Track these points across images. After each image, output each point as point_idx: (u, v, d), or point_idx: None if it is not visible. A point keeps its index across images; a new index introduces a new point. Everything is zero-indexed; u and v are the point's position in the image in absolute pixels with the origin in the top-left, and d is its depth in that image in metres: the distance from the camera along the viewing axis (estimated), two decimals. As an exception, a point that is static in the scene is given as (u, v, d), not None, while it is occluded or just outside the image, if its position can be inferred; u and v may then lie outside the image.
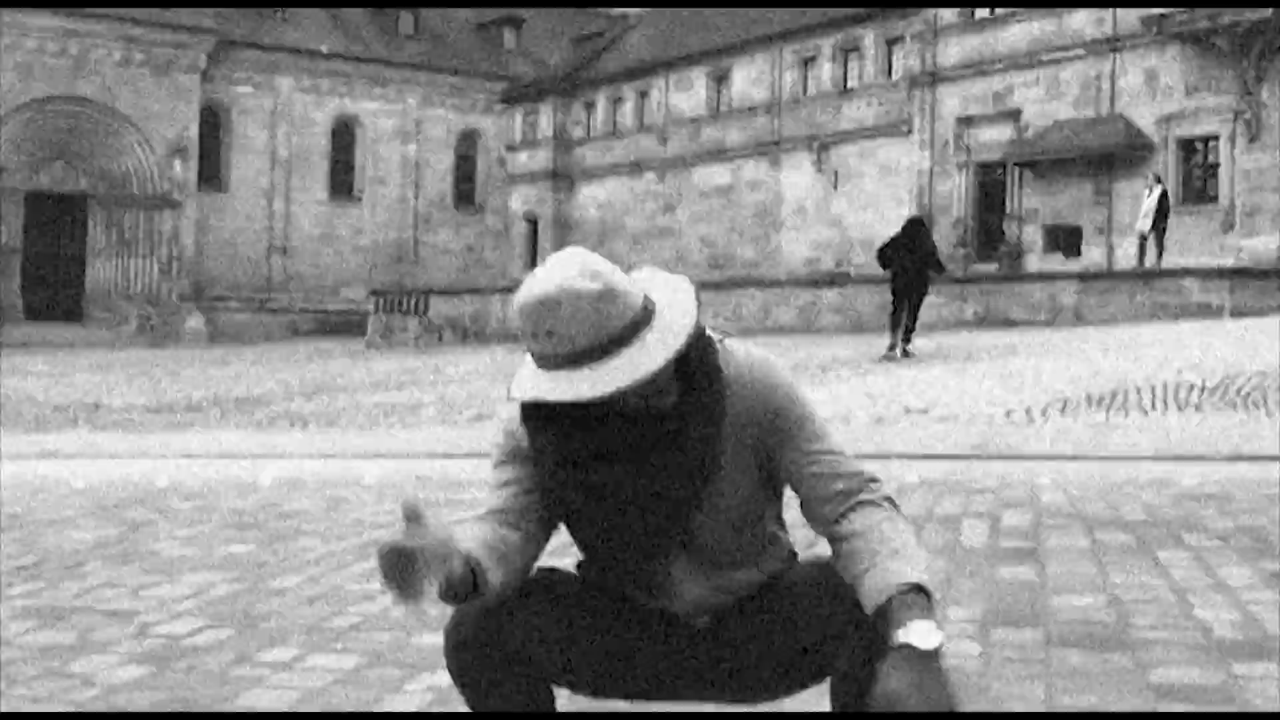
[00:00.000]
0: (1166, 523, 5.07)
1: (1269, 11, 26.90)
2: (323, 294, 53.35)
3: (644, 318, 1.92)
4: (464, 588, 1.87)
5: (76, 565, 4.71)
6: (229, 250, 51.69)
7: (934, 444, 8.97)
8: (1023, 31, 32.31)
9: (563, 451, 1.97)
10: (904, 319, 17.43)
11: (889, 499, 1.98)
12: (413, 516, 1.77)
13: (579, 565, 2.14)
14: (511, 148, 49.81)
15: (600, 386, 1.84)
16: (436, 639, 3.50)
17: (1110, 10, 30.42)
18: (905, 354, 17.12)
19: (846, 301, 26.83)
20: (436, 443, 10.60)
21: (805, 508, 2.00)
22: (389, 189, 55.30)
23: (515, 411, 2.05)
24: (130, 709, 2.99)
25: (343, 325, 49.72)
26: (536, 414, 1.98)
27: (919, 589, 1.81)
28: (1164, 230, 25.55)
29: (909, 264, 17.49)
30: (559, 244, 47.03)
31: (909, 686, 1.73)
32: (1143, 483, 6.44)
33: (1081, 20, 31.16)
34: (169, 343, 45.91)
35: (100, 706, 3.02)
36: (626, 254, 44.16)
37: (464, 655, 2.02)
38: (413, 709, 2.94)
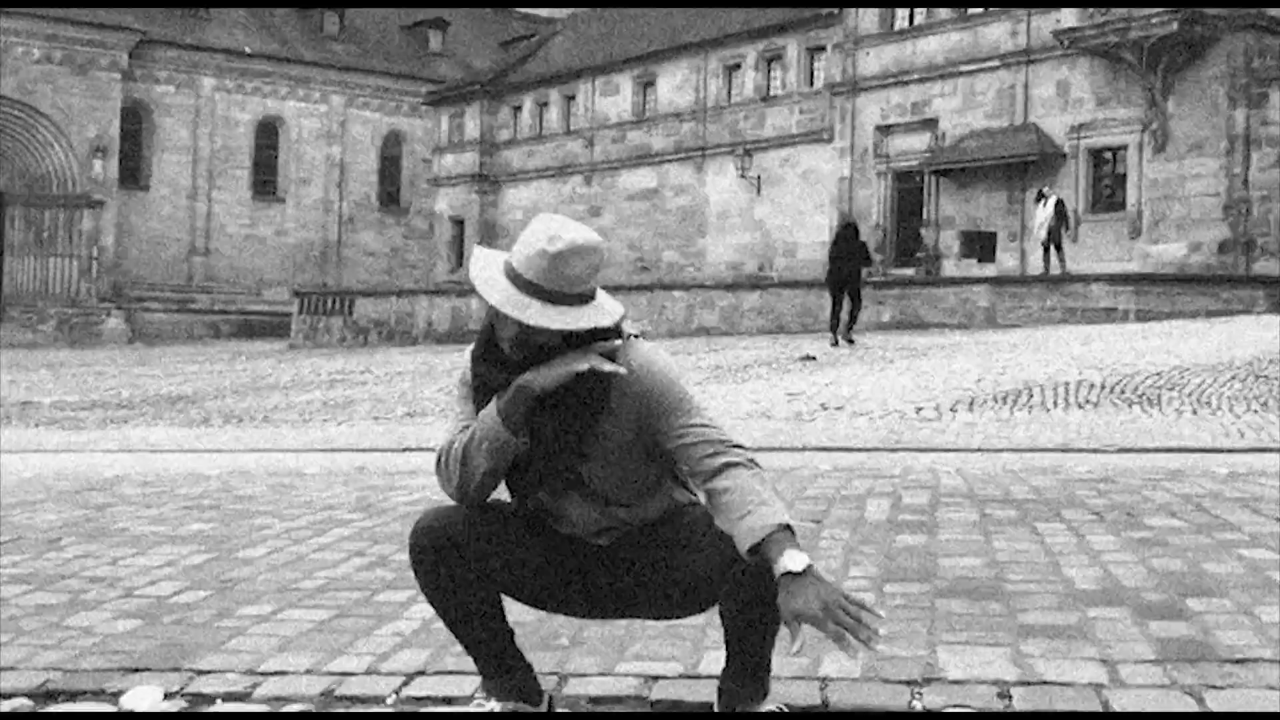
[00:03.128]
0: (1049, 501, 5.61)
1: (1175, 27, 27.94)
2: (245, 295, 53.12)
3: (594, 291, 2.49)
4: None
5: (53, 541, 5.06)
6: (150, 250, 51.31)
7: (848, 438, 9.50)
8: (940, 43, 33.19)
9: (495, 386, 2.53)
10: (841, 312, 19.70)
11: (752, 460, 2.50)
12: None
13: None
14: (438, 149, 49.97)
15: (598, 320, 2.44)
16: (396, 595, 3.96)
17: (1024, 24, 31.38)
18: (849, 341, 19.25)
19: (768, 304, 27.46)
20: (372, 438, 10.97)
21: (683, 469, 2.55)
22: (313, 190, 55.19)
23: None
24: (128, 654, 3.39)
25: (265, 326, 49.57)
26: (492, 354, 2.54)
27: (786, 527, 2.35)
28: (1060, 238, 26.49)
29: (843, 262, 19.70)
30: (485, 246, 47.15)
31: (803, 599, 2.26)
32: (1036, 470, 7.00)
33: (996, 33, 32.10)
34: (88, 343, 45.52)
35: (100, 653, 3.41)
36: (552, 257, 44.51)
37: (424, 560, 2.58)
38: (381, 651, 3.36)
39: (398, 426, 12.12)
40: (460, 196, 48.23)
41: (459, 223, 48.46)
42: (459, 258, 48.30)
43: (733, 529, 2.39)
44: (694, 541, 2.55)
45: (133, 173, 50.67)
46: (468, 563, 2.56)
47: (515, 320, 2.44)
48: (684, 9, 42.40)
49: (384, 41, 58.16)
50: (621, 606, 2.68)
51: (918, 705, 2.85)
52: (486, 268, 2.50)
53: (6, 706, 3.03)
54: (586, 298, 2.48)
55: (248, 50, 52.95)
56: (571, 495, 2.60)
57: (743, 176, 37.97)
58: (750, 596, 2.45)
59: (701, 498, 2.55)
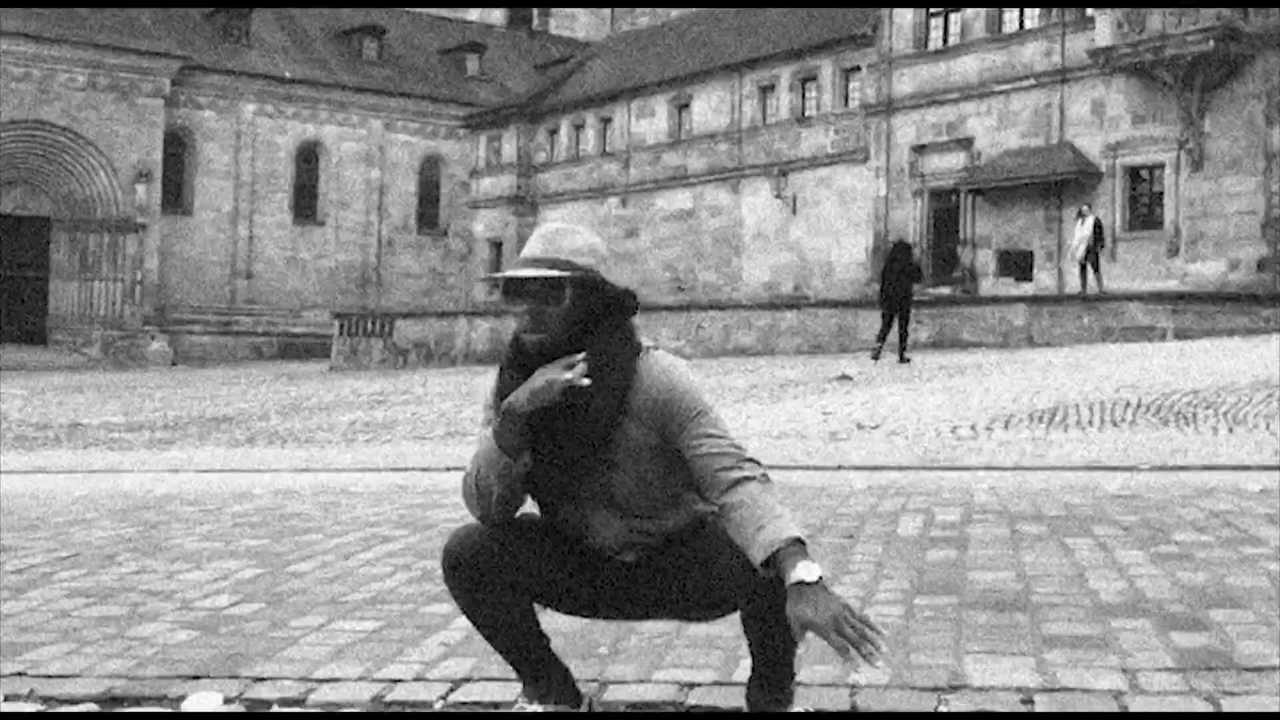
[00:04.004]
0: (1080, 518, 5.71)
1: (1211, 45, 27.91)
2: (286, 317, 53.66)
3: (576, 275, 2.67)
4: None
5: (109, 557, 5.25)
6: (192, 273, 51.95)
7: (883, 457, 9.59)
8: (974, 63, 33.26)
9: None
10: (889, 329, 20.67)
11: (765, 475, 2.63)
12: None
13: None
14: (475, 173, 50.39)
15: (532, 270, 2.64)
16: (441, 607, 4.11)
17: (1059, 43, 31.41)
18: (905, 360, 20.07)
19: (804, 324, 27.55)
20: (414, 457, 11.15)
21: (699, 481, 2.65)
22: (352, 213, 55.73)
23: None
24: (187, 663, 3.55)
25: (305, 348, 50.08)
26: (519, 359, 2.71)
27: (798, 540, 2.46)
28: (1098, 257, 26.49)
29: (895, 281, 20.61)
30: (522, 268, 47.57)
31: (812, 609, 2.40)
32: (1069, 487, 7.08)
33: (1031, 52, 32.14)
34: (132, 365, 46.11)
35: (160, 662, 3.58)
36: (589, 278, 44.79)
37: (458, 574, 2.74)
38: (429, 660, 3.51)
39: (438, 446, 12.30)
40: (498, 218, 48.61)
41: (497, 245, 48.82)
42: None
43: (747, 543, 2.51)
44: (715, 552, 2.67)
45: (175, 197, 51.35)
46: (496, 578, 2.70)
47: (519, 312, 2.66)
48: (719, 30, 42.65)
49: (422, 65, 58.74)
50: (646, 611, 2.82)
51: (944, 709, 2.97)
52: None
53: (73, 712, 3.19)
54: (586, 270, 2.67)
55: (288, 75, 53.62)
56: (597, 508, 2.72)
57: (778, 197, 38.11)
58: (769, 607, 2.56)
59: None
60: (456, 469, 9.60)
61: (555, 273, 2.63)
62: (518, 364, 2.70)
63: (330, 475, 9.31)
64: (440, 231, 57.74)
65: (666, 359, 2.71)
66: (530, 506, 2.82)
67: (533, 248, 2.69)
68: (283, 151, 54.00)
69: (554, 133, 47.15)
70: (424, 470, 9.61)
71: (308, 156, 54.79)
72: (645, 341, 2.74)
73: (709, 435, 2.62)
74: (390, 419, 15.63)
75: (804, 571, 2.42)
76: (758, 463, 2.63)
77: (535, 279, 2.64)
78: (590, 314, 2.67)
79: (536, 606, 2.81)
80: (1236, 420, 10.93)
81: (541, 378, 2.61)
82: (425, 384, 23.29)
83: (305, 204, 54.81)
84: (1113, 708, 2.94)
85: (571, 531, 2.79)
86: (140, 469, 10.85)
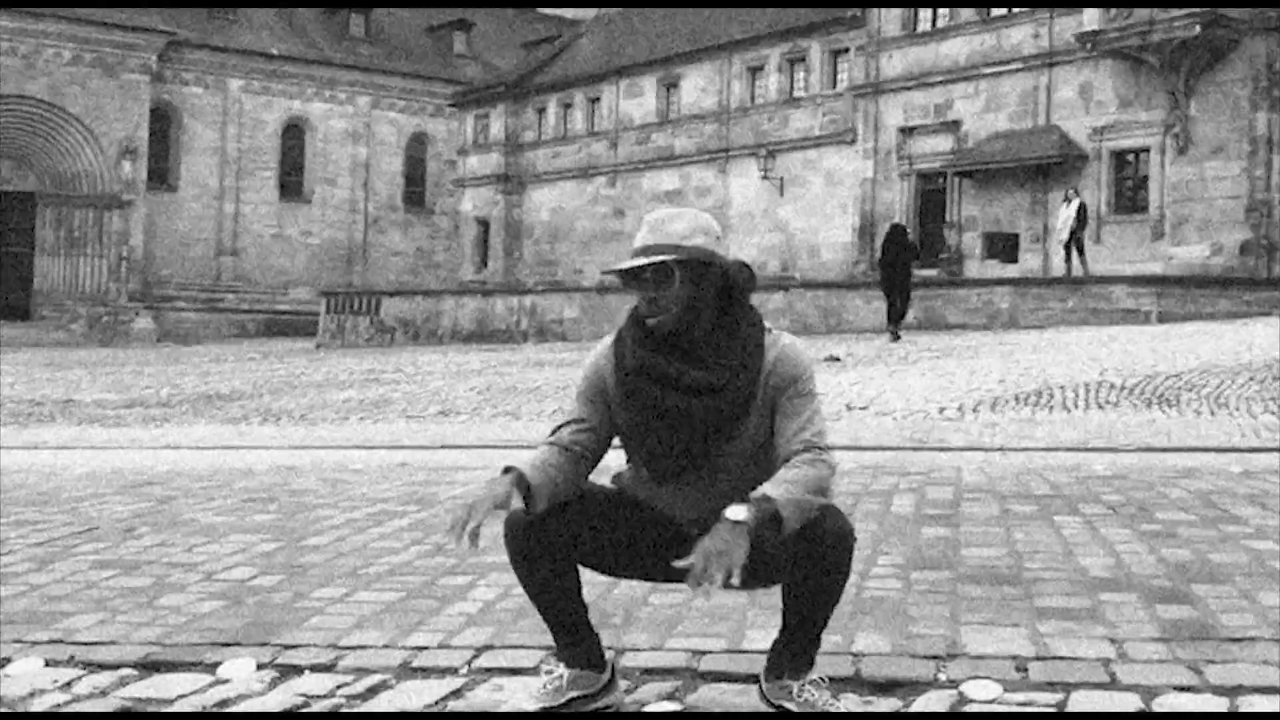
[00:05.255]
0: (1067, 497, 5.90)
1: (1197, 30, 28.09)
2: (271, 294, 53.65)
3: (682, 258, 2.83)
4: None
5: (129, 530, 5.40)
6: (178, 250, 51.88)
7: (872, 438, 9.77)
8: (962, 45, 33.40)
9: (652, 370, 2.84)
10: (896, 307, 21.79)
11: (821, 459, 2.79)
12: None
13: (614, 478, 2.97)
14: (463, 151, 50.38)
15: (655, 256, 2.80)
16: (457, 580, 4.27)
17: (1046, 26, 31.56)
18: (895, 336, 21.19)
19: (791, 305, 27.72)
20: (409, 435, 11.30)
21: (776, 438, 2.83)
22: (339, 190, 55.68)
23: (605, 348, 2.95)
24: (218, 631, 3.71)
25: (291, 326, 50.09)
26: (644, 337, 2.87)
27: (767, 498, 2.65)
28: (1082, 240, 26.74)
29: (894, 262, 21.71)
30: (510, 246, 47.66)
31: (710, 539, 2.60)
32: (1055, 468, 7.27)
33: (1019, 35, 32.29)
34: (118, 342, 46.10)
35: (192, 630, 3.73)
36: (577, 256, 44.89)
37: (517, 540, 2.87)
38: (450, 629, 3.67)
39: (431, 425, 12.44)
40: (485, 197, 48.62)
41: (484, 223, 48.85)
42: (484, 258, 48.70)
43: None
44: None
45: (161, 173, 51.24)
46: (552, 546, 2.85)
47: (640, 294, 2.84)
48: (708, 10, 42.68)
49: (409, 43, 58.63)
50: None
51: (943, 677, 3.14)
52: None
53: (110, 677, 3.34)
54: (694, 251, 2.83)
55: (275, 52, 53.49)
56: (700, 486, 2.88)
57: (766, 178, 38.24)
58: (809, 574, 2.77)
59: None
60: (453, 447, 9.77)
61: (660, 258, 2.80)
62: (642, 341, 2.87)
63: (329, 452, 9.46)
64: (427, 210, 57.75)
65: (788, 339, 2.91)
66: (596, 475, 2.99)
67: (643, 236, 2.85)
68: (269, 128, 53.91)
69: (541, 111, 47.15)
70: (422, 449, 9.75)
71: (294, 133, 54.69)
72: (766, 323, 2.93)
73: (800, 414, 2.82)
74: (384, 397, 15.76)
75: (733, 512, 2.62)
76: (825, 454, 2.79)
77: (647, 266, 2.81)
78: (704, 292, 2.84)
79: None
80: (1219, 403, 11.14)
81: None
82: (415, 362, 23.40)
83: (291, 181, 54.74)
84: (1102, 675, 3.12)
85: (660, 503, 2.93)
86: (138, 446, 10.97)
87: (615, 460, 3.04)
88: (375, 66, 56.05)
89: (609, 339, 2.98)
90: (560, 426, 2.93)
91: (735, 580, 2.57)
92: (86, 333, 47.45)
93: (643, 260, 2.81)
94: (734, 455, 2.86)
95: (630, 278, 2.85)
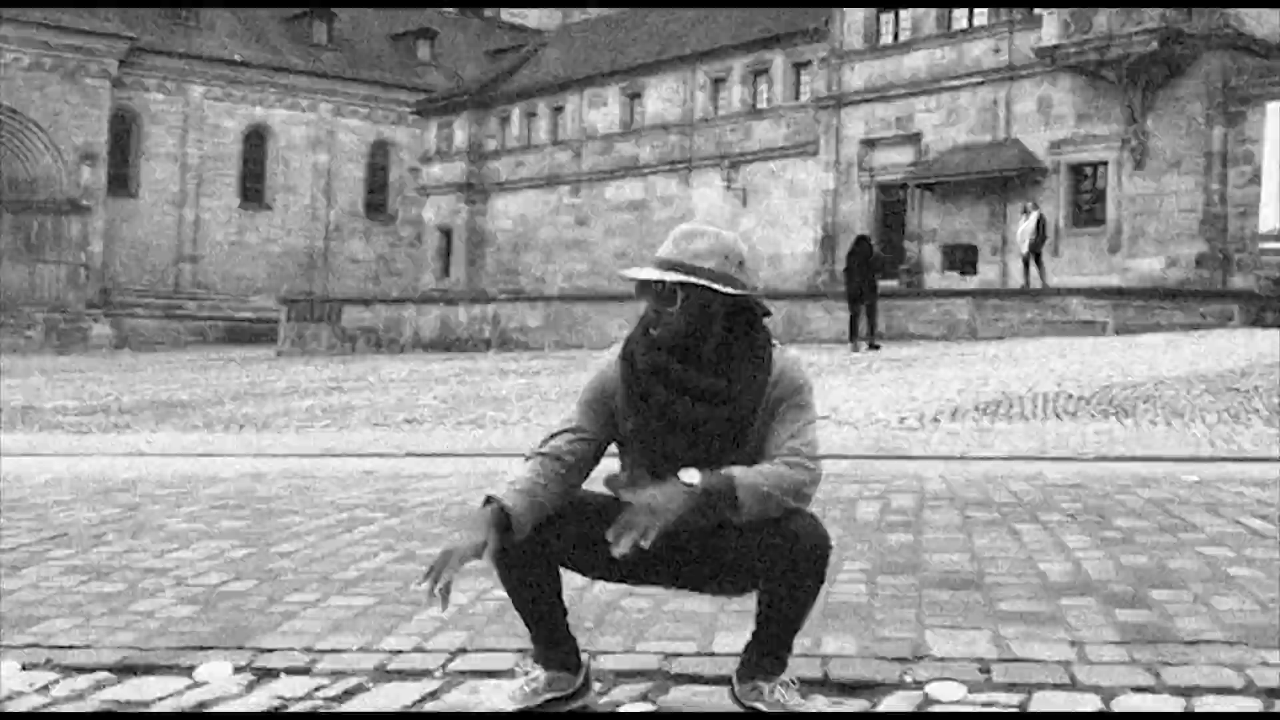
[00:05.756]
0: (1027, 505, 6.00)
1: (1155, 46, 28.48)
2: (231, 301, 53.38)
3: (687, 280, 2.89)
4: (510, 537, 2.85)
5: (97, 537, 5.41)
6: (137, 257, 51.54)
7: (836, 447, 9.87)
8: (924, 59, 33.71)
9: (663, 381, 2.90)
10: (860, 321, 22.07)
11: (804, 465, 2.86)
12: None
13: (606, 481, 3.01)
14: (426, 159, 50.32)
15: (685, 277, 2.86)
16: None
17: (1006, 40, 31.91)
18: (875, 347, 21.49)
19: (754, 315, 27.81)
20: (374, 443, 11.31)
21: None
22: (300, 197, 55.49)
23: (612, 357, 2.99)
24: (193, 635, 3.74)
25: (251, 333, 49.84)
26: (656, 347, 2.93)
27: (728, 474, 2.77)
28: (1040, 253, 27.06)
29: (858, 275, 22.06)
30: (472, 255, 47.63)
31: (651, 494, 2.73)
32: (1015, 476, 7.38)
33: (979, 50, 32.63)
34: (76, 349, 45.75)
35: (167, 633, 3.76)
36: (540, 265, 44.91)
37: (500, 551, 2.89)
38: (424, 632, 3.72)
39: (396, 433, 12.45)
40: (448, 206, 48.58)
41: (446, 232, 48.80)
42: (446, 266, 48.64)
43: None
44: (745, 535, 2.87)
45: (121, 179, 50.91)
46: (537, 556, 2.91)
47: (647, 303, 2.91)
48: (672, 21, 42.86)
49: (372, 51, 58.52)
50: (675, 581, 3.02)
51: (908, 678, 3.22)
52: (643, 265, 2.98)
53: (87, 680, 3.38)
54: (722, 276, 2.88)
55: (237, 58, 53.28)
56: None
57: (729, 188, 38.43)
58: (785, 578, 2.84)
59: None
60: (420, 455, 9.79)
61: (659, 275, 2.87)
62: (652, 346, 2.93)
63: (295, 460, 9.46)
64: (389, 217, 57.63)
65: (792, 353, 3.00)
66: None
67: (664, 248, 2.92)
68: (231, 135, 53.67)
69: (505, 120, 47.18)
70: (388, 456, 9.77)
71: (256, 140, 54.48)
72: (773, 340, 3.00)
73: (794, 422, 2.90)
74: (347, 405, 15.74)
75: (687, 474, 2.75)
76: (808, 461, 2.87)
77: (655, 281, 2.90)
78: (707, 314, 2.90)
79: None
80: (1174, 413, 11.31)
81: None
82: (378, 371, 23.37)
83: (253, 188, 54.51)
84: (1063, 676, 3.21)
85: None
86: (101, 453, 10.92)
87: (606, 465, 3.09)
88: (338, 74, 55.91)
89: (617, 346, 3.03)
90: (557, 434, 2.97)
91: (645, 543, 2.67)
92: (44, 339, 47.04)
93: (652, 274, 2.88)
94: (734, 463, 2.91)
95: (642, 286, 2.92)
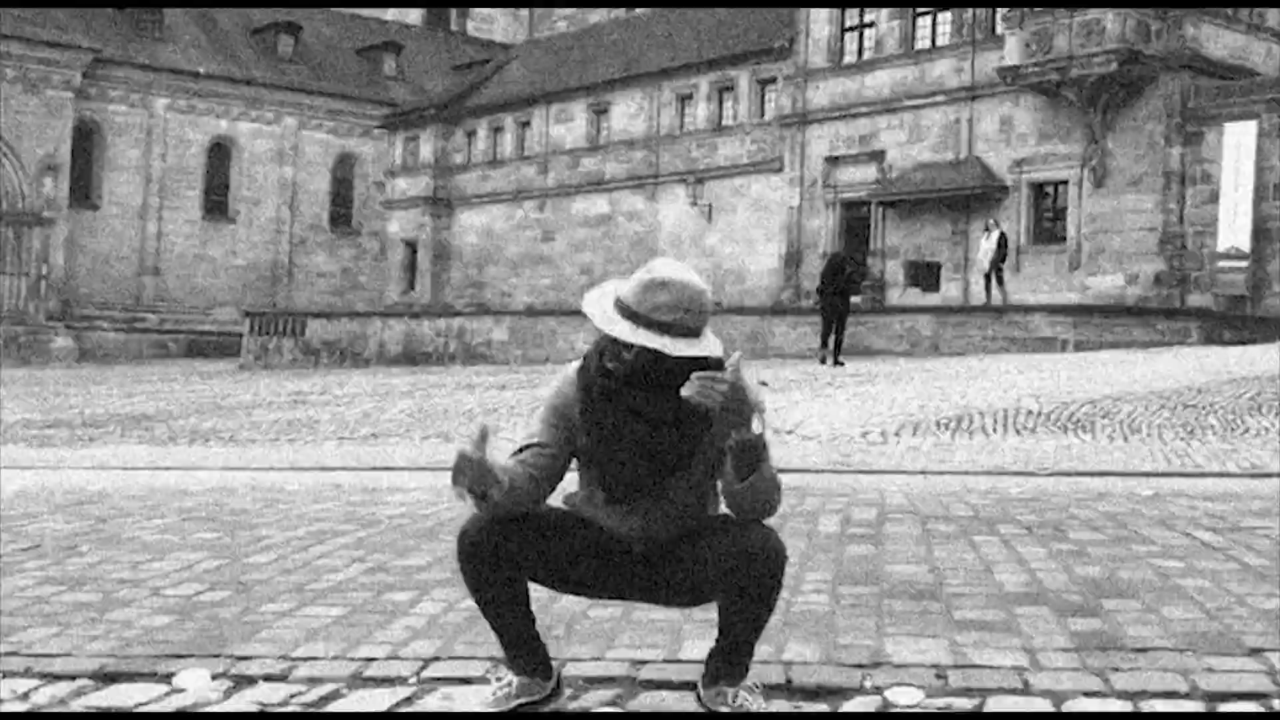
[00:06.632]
0: (986, 518, 6.15)
1: (1114, 67, 28.90)
2: (194, 314, 53.15)
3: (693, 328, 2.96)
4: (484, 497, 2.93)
5: (70, 548, 5.46)
6: (99, 269, 51.25)
7: (799, 461, 10.00)
8: (887, 78, 34.06)
9: (615, 398, 2.99)
10: (832, 335, 22.28)
11: (779, 482, 3.01)
12: (484, 436, 2.83)
13: (565, 499, 3.11)
14: (391, 173, 50.32)
15: (698, 351, 2.92)
16: (401, 595, 4.41)
17: (969, 60, 32.29)
18: (837, 363, 21.62)
19: (719, 330, 27.84)
20: (341, 457, 11.35)
21: (720, 477, 3.04)
22: (264, 210, 55.33)
23: (571, 373, 3.07)
24: (171, 644, 3.81)
25: (214, 346, 49.65)
26: (609, 376, 3.01)
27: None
28: (1002, 270, 27.41)
29: (831, 292, 22.39)
30: (438, 269, 47.63)
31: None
32: (974, 491, 7.53)
33: (942, 69, 33.00)
34: (37, 361, 45.41)
35: (144, 642, 3.83)
36: (506, 279, 44.97)
37: (471, 560, 3.03)
38: (398, 641, 3.81)
39: (362, 447, 12.49)
40: (413, 219, 48.58)
41: (411, 245, 48.79)
42: (411, 280, 48.62)
43: (728, 479, 2.97)
44: (704, 547, 3.01)
45: (83, 191, 50.64)
46: (504, 564, 3.01)
47: (614, 337, 2.95)
48: (638, 38, 43.08)
49: (338, 64, 58.47)
50: (637, 593, 3.15)
51: (868, 684, 3.34)
52: (601, 290, 3.02)
53: (67, 687, 3.44)
54: (679, 329, 2.91)
55: (201, 70, 53.12)
56: (649, 507, 3.05)
57: (694, 204, 38.63)
58: (744, 589, 2.96)
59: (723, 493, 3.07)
60: (386, 469, 9.86)
61: (612, 331, 2.92)
62: (607, 373, 3.00)
63: (262, 474, 9.50)
64: (353, 231, 57.54)
65: (744, 374, 3.04)
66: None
67: (629, 289, 2.94)
68: (194, 147, 53.49)
69: (471, 135, 47.26)
70: (355, 470, 9.83)
71: (220, 153, 54.32)
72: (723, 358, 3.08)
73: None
74: (312, 419, 15.76)
75: (756, 425, 2.90)
76: (777, 475, 3.02)
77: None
78: (661, 361, 2.93)
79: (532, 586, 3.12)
80: (1132, 429, 11.52)
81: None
82: (342, 385, 23.37)
83: (216, 201, 54.34)
84: (1016, 681, 3.33)
85: (604, 519, 3.08)
86: (67, 466, 10.92)
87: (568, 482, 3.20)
88: (303, 87, 55.83)
89: (575, 364, 3.12)
90: (523, 448, 3.06)
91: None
92: (3, 352, 46.63)
93: (607, 326, 2.91)
94: (683, 481, 3.04)
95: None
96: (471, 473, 2.84)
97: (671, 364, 2.93)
